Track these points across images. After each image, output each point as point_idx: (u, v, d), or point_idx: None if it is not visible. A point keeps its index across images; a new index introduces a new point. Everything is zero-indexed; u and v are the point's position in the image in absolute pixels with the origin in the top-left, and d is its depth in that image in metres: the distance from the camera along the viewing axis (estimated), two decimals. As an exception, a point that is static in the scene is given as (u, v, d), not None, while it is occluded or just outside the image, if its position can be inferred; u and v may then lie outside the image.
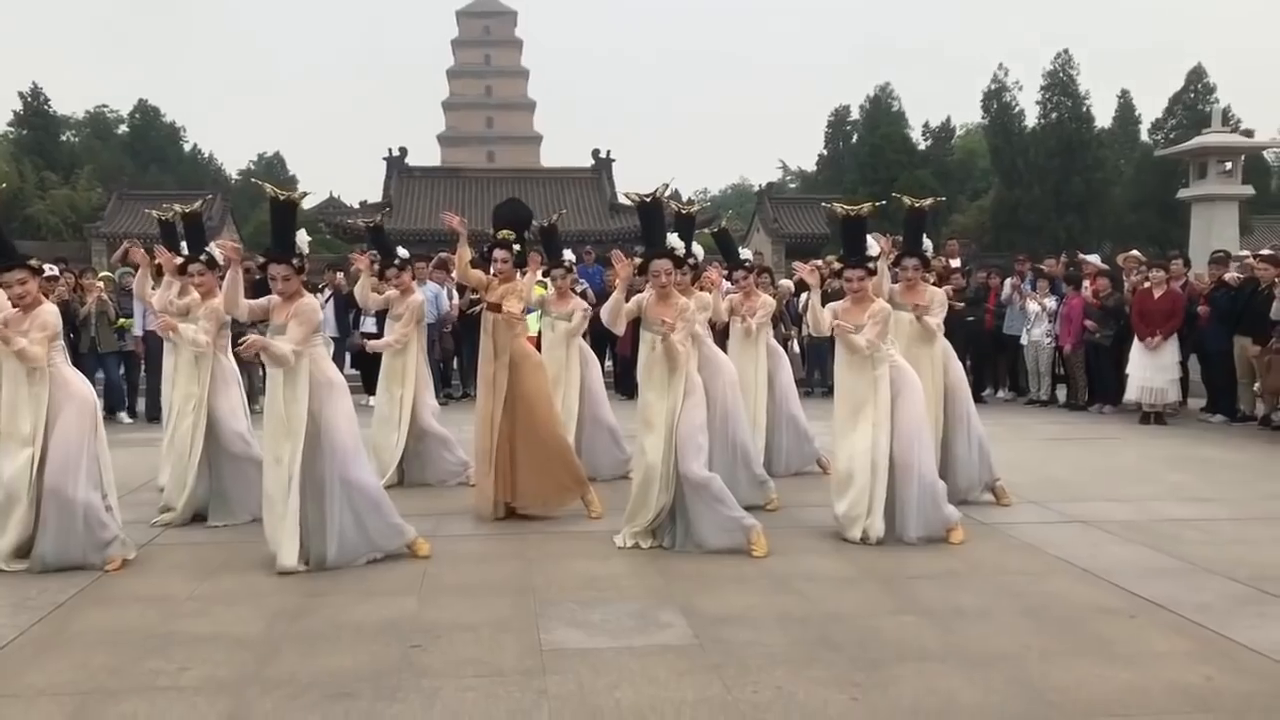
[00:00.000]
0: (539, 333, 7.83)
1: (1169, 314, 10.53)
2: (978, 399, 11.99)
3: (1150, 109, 54.82)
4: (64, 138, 48.24)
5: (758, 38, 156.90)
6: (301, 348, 5.13)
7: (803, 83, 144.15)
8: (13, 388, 5.11)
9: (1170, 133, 35.97)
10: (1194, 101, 37.16)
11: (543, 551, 5.56)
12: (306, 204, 5.61)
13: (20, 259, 5.23)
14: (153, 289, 6.95)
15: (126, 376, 11.59)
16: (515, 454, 6.21)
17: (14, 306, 5.20)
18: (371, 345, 7.66)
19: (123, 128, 53.96)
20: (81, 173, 40.57)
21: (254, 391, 9.68)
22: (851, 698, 3.54)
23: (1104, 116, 40.83)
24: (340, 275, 12.90)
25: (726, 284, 7.74)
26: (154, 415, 10.18)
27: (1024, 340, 12.43)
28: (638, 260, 5.74)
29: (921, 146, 42.39)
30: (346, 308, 12.61)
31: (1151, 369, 10.53)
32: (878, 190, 27.95)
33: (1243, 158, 17.97)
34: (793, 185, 56.85)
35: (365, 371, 12.17)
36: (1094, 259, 12.95)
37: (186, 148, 54.47)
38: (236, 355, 6.93)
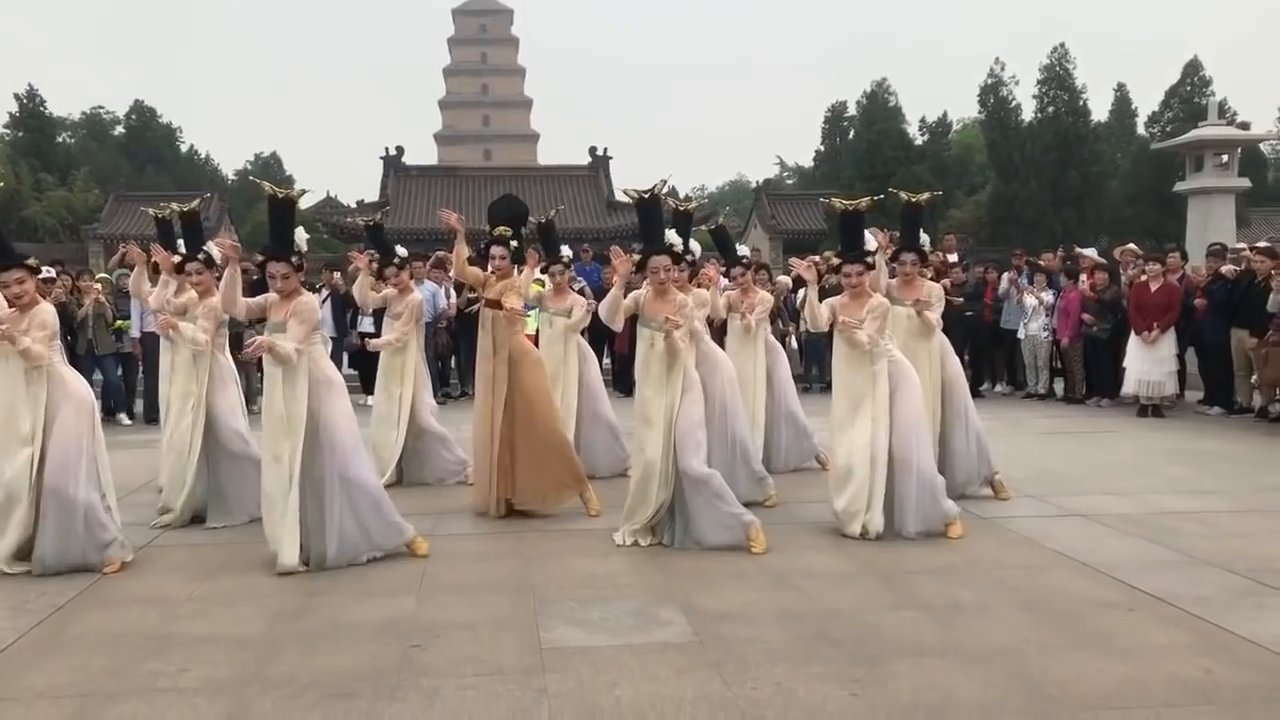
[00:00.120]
0: (536, 330, 7.82)
1: (1166, 307, 10.54)
2: (975, 393, 12.02)
3: (1147, 102, 54.86)
4: (60, 139, 48.19)
5: (754, 35, 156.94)
6: (303, 346, 5.13)
7: (799, 79, 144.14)
8: (10, 387, 5.10)
9: (1167, 126, 35.95)
10: (1190, 94, 37.17)
11: (541, 550, 5.56)
12: (304, 203, 5.61)
13: (18, 258, 5.22)
14: (149, 288, 6.93)
15: (124, 378, 11.59)
16: (514, 450, 6.20)
17: (10, 306, 5.20)
18: (372, 344, 7.66)
19: (119, 129, 53.88)
20: (78, 174, 40.52)
21: (251, 392, 9.68)
22: (851, 693, 3.54)
23: (1100, 110, 40.87)
24: (337, 275, 12.89)
25: (724, 280, 7.74)
26: (152, 417, 10.18)
27: (1021, 334, 12.44)
28: (636, 256, 5.74)
29: (918, 142, 42.39)
30: (344, 307, 12.61)
31: (1149, 362, 10.54)
32: (875, 186, 27.92)
33: (1239, 151, 17.99)
34: (790, 181, 56.81)
35: (363, 371, 12.17)
36: (1091, 253, 12.97)
37: (183, 148, 54.40)
38: (235, 356, 6.95)
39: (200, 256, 6.45)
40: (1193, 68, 38.35)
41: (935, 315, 6.41)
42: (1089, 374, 11.83)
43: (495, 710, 3.45)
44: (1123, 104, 43.57)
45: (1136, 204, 35.49)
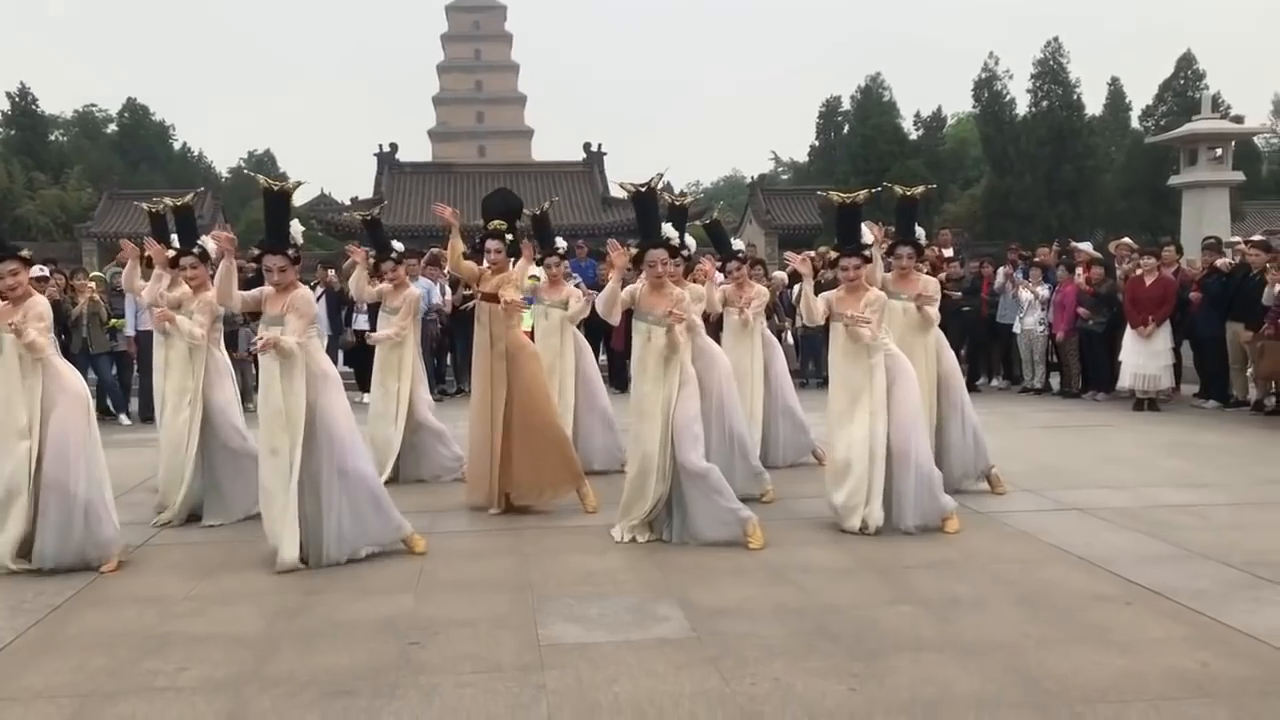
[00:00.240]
0: (532, 327, 7.81)
1: (1160, 301, 10.55)
2: (972, 388, 12.04)
3: (1141, 96, 54.91)
4: (53, 137, 48.08)
5: (748, 30, 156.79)
6: (302, 339, 5.13)
7: (794, 74, 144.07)
8: (6, 380, 5.09)
9: (1161, 119, 36.00)
10: (1184, 88, 37.21)
11: (539, 547, 5.56)
12: (298, 201, 5.59)
13: (10, 250, 5.21)
14: (142, 282, 6.91)
15: (119, 377, 11.56)
16: (512, 444, 6.19)
17: (3, 299, 5.19)
18: (372, 337, 7.64)
19: (112, 127, 53.74)
20: (71, 173, 40.41)
21: (247, 390, 9.66)
22: (849, 688, 3.55)
23: (1094, 104, 40.89)
24: (332, 273, 12.88)
25: (719, 276, 7.74)
26: (147, 416, 10.15)
27: (1017, 329, 12.45)
28: (633, 250, 5.73)
29: (913, 136, 42.40)
30: (339, 305, 12.60)
31: (1145, 356, 10.55)
32: (870, 180, 27.85)
33: (1233, 144, 18.04)
34: (785, 177, 56.79)
35: (358, 369, 12.16)
36: (1086, 247, 12.98)
37: (176, 146, 54.32)
38: (230, 354, 6.93)
39: (195, 250, 6.44)
40: (1186, 61, 38.38)
41: (935, 310, 6.42)
42: (1085, 368, 11.85)
43: (494, 707, 3.45)
44: (1117, 98, 43.60)
45: (1131, 198, 35.53)
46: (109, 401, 11.23)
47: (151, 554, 5.59)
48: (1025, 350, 12.50)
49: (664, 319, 5.36)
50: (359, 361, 12.26)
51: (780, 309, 12.70)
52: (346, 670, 3.79)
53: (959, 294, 12.19)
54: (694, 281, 6.84)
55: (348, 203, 35.98)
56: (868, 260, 5.93)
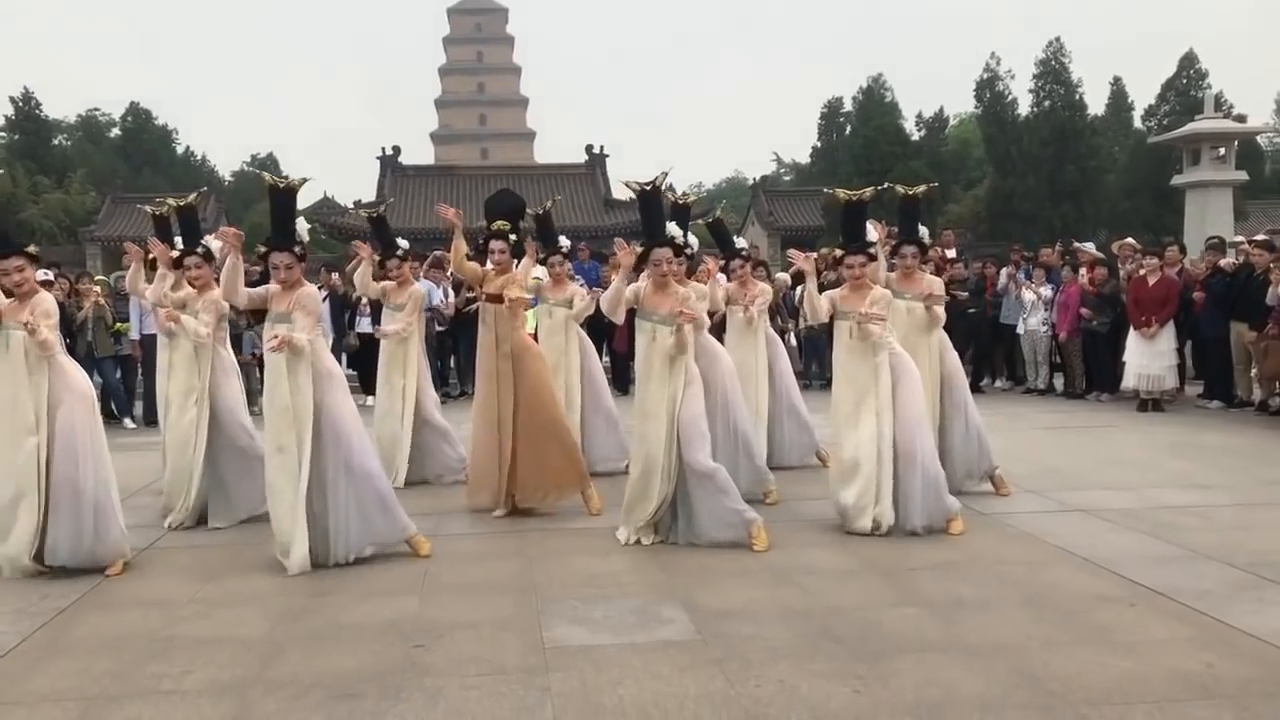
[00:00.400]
0: (535, 328, 7.81)
1: (1163, 301, 10.54)
2: (976, 389, 12.03)
3: (1143, 96, 54.87)
4: (56, 141, 48.16)
5: (750, 31, 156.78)
6: (311, 336, 5.15)
7: (795, 75, 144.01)
8: (11, 376, 5.10)
9: (1163, 119, 35.92)
10: (1187, 88, 37.12)
11: (543, 549, 5.57)
12: (301, 203, 5.59)
13: (16, 246, 5.22)
14: (145, 284, 6.92)
15: (123, 380, 11.58)
16: (517, 445, 6.20)
17: (9, 296, 5.20)
18: (380, 330, 7.64)
19: (115, 131, 53.81)
20: (74, 176, 40.44)
21: (252, 393, 9.67)
22: (854, 690, 3.55)
23: (1097, 104, 40.81)
24: (335, 275, 12.89)
25: (721, 277, 7.74)
26: (151, 420, 10.17)
27: (1020, 329, 12.44)
28: (638, 249, 5.72)
29: (915, 137, 42.35)
30: (342, 308, 12.62)
31: (1148, 356, 10.54)
32: (872, 181, 27.66)
33: (1236, 143, 18.02)
34: (787, 178, 56.73)
35: (362, 371, 12.17)
36: (1089, 247, 12.98)
37: (179, 150, 54.36)
38: (235, 355, 6.94)
39: (199, 250, 6.45)
40: (1189, 60, 38.32)
41: (942, 309, 6.42)
42: (1089, 368, 11.84)
43: (499, 710, 3.46)
44: (1119, 98, 43.52)
45: (1134, 198, 35.47)
46: (113, 405, 11.25)
47: (156, 557, 5.60)
48: (1029, 351, 12.49)
49: (670, 319, 5.36)
50: (363, 364, 12.28)
51: (784, 310, 12.71)
52: (351, 673, 3.80)
53: (965, 294, 12.18)
54: (696, 281, 6.84)
55: (350, 206, 35.98)
56: (873, 258, 5.92)
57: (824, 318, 5.85)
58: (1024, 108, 37.44)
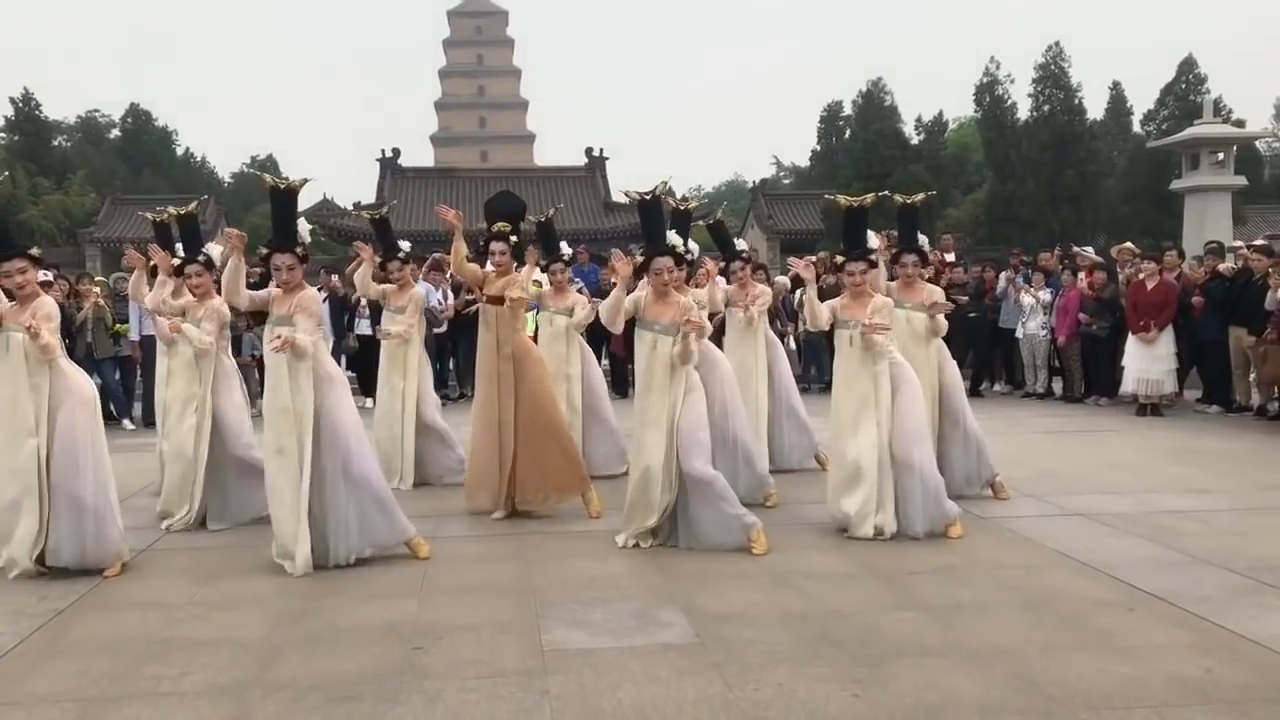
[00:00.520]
0: (535, 328, 7.81)
1: (1162, 305, 10.54)
2: (975, 393, 12.04)
3: (1142, 100, 54.81)
4: (56, 143, 48.09)
5: (749, 34, 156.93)
6: (314, 338, 5.15)
7: (795, 78, 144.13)
8: (11, 378, 5.10)
9: (1162, 124, 35.89)
10: (1186, 92, 37.12)
11: (542, 552, 5.57)
12: (300, 204, 5.59)
13: (19, 248, 5.22)
14: (148, 291, 6.93)
15: (123, 382, 11.58)
16: (518, 448, 6.19)
17: (10, 298, 5.20)
18: (382, 331, 7.62)
19: (115, 132, 53.76)
20: (74, 178, 40.41)
21: (251, 394, 9.66)
22: (853, 694, 3.55)
23: (1096, 109, 40.81)
24: (335, 277, 12.89)
25: (721, 280, 7.75)
26: (150, 420, 10.16)
27: (1019, 333, 12.45)
28: (638, 259, 5.72)
29: (914, 141, 42.34)
30: (342, 310, 12.61)
31: (1147, 361, 10.55)
32: (872, 185, 27.75)
33: (1235, 148, 18.02)
34: (786, 181, 56.73)
35: (361, 373, 12.17)
36: (1088, 251, 12.99)
37: (179, 151, 54.26)
38: (235, 357, 6.95)
39: (200, 258, 6.45)
40: (1188, 65, 38.31)
41: (943, 319, 6.42)
42: (1087, 373, 11.84)
43: (498, 712, 3.45)
44: (1118, 102, 43.52)
45: (1133, 202, 35.45)
46: (112, 406, 11.24)
47: (155, 558, 5.60)
48: (1027, 355, 12.49)
49: (671, 328, 5.36)
50: (362, 366, 12.27)
51: (783, 314, 12.71)
52: (350, 675, 3.79)
53: (964, 298, 12.18)
54: (696, 285, 6.84)
55: (350, 208, 35.97)
56: (874, 265, 5.92)
57: (824, 325, 5.85)
58: (1023, 112, 37.44)
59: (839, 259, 5.95)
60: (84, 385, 5.28)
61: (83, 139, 52.08)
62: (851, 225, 5.96)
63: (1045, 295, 12.18)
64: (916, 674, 3.71)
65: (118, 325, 11.30)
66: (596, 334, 10.64)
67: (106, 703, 3.60)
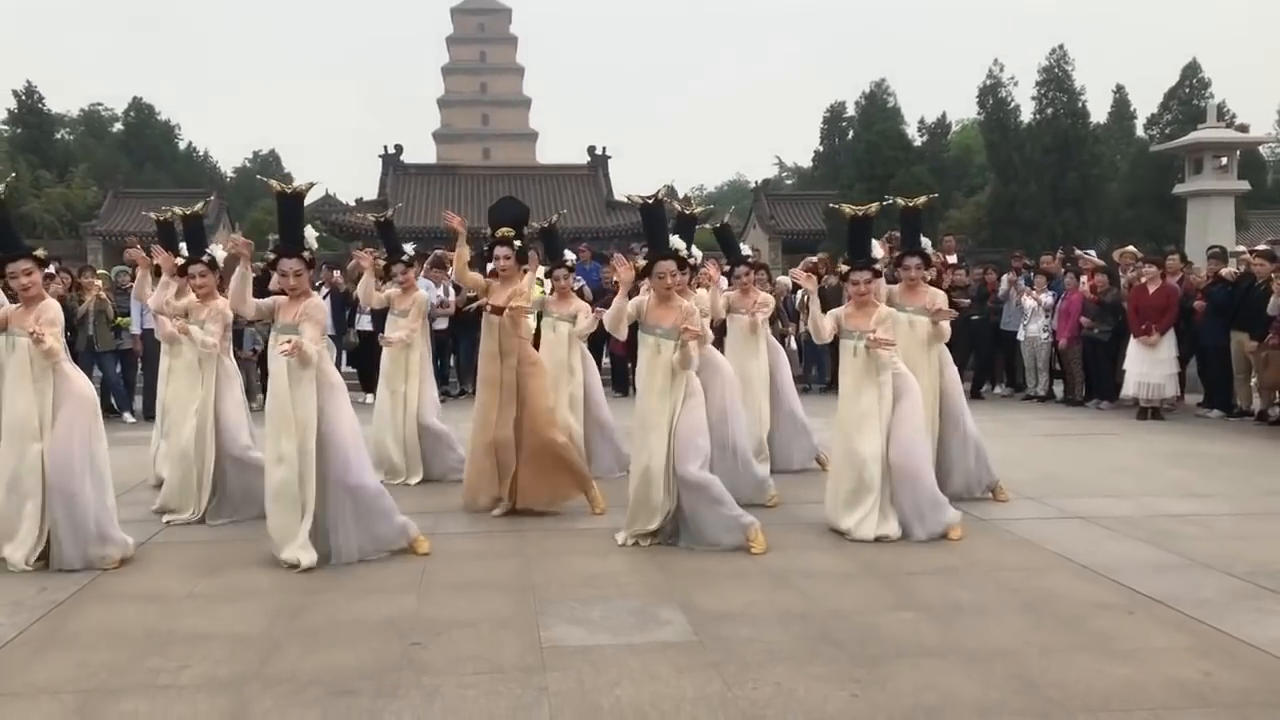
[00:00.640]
0: (537, 329, 7.80)
1: (1163, 309, 10.55)
2: (976, 396, 12.04)
3: (1146, 104, 54.85)
4: (59, 136, 48.06)
5: (753, 34, 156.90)
6: (319, 346, 5.16)
7: (798, 79, 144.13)
8: (17, 382, 5.11)
9: (1166, 128, 35.88)
10: (1189, 97, 37.10)
11: (542, 549, 5.57)
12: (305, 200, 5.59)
13: (25, 249, 5.21)
14: (152, 291, 6.95)
15: (124, 375, 11.59)
16: (520, 454, 6.21)
17: (15, 300, 5.20)
18: (384, 339, 7.60)
19: (117, 126, 53.78)
20: (76, 171, 40.44)
21: (251, 389, 9.67)
22: (851, 694, 3.55)
23: (1099, 112, 40.80)
24: (337, 273, 12.90)
25: (724, 282, 7.75)
26: (151, 414, 10.17)
27: (1021, 336, 12.45)
28: (640, 262, 5.72)
29: (917, 143, 42.32)
30: (343, 306, 12.62)
31: (1149, 364, 10.55)
32: (874, 186, 27.88)
33: (1238, 153, 18.00)
34: (789, 182, 56.75)
35: (362, 370, 12.17)
36: (1091, 255, 12.98)
37: (181, 146, 54.26)
38: (235, 352, 6.95)
39: (205, 259, 6.46)
40: (1192, 70, 38.31)
41: (947, 325, 6.42)
42: (1088, 376, 11.84)
43: (496, 708, 3.46)
44: (1122, 106, 43.53)
45: (1136, 206, 35.45)
46: (113, 400, 11.26)
47: (154, 552, 5.60)
48: (1029, 358, 12.49)
49: (673, 332, 5.36)
50: (362, 362, 12.28)
51: (784, 314, 12.71)
52: (349, 670, 3.80)
53: (967, 301, 12.17)
54: (699, 287, 6.83)
55: (352, 204, 36.00)
56: (878, 274, 5.93)
57: (828, 338, 5.86)
58: (1026, 114, 37.44)
59: (844, 268, 5.93)
60: (85, 387, 5.28)
61: (85, 132, 52.09)
62: (856, 235, 5.96)
63: (1047, 298, 12.18)
64: (915, 674, 3.71)
65: (119, 318, 11.31)
66: (597, 334, 10.65)
67: (105, 694, 3.60)
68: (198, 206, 6.97)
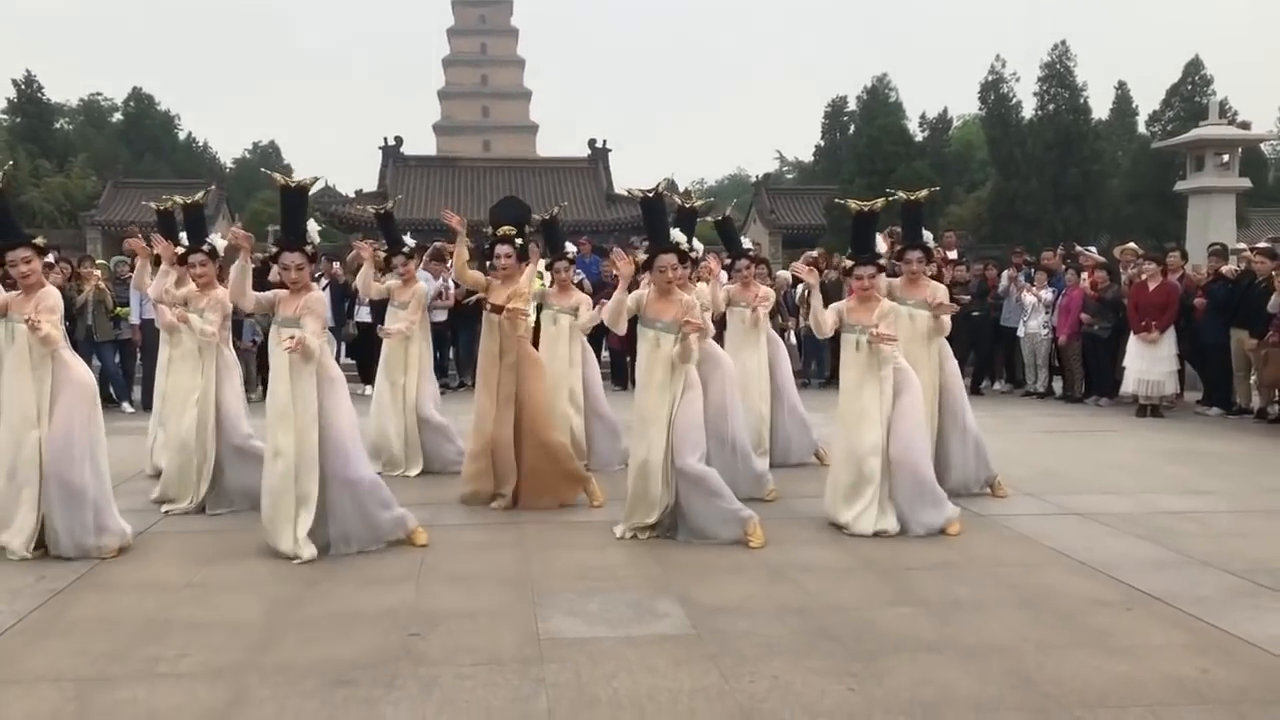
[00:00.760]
0: (537, 321, 7.79)
1: (1163, 306, 10.54)
2: (975, 392, 12.04)
3: (1147, 101, 54.74)
4: (58, 125, 48.00)
5: (755, 27, 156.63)
6: (320, 340, 5.16)
7: (799, 73, 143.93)
8: (17, 369, 5.10)
9: (1168, 125, 35.83)
10: (1191, 94, 37.06)
11: (540, 541, 5.57)
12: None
13: (25, 237, 5.21)
14: (150, 279, 6.94)
15: (122, 365, 11.58)
16: (518, 455, 6.22)
17: (15, 288, 5.19)
18: (384, 331, 7.60)
19: (117, 115, 53.68)
20: (76, 160, 40.36)
21: (250, 379, 9.66)
22: (848, 688, 3.55)
23: (1101, 108, 40.74)
24: (336, 265, 12.89)
25: (724, 276, 7.74)
26: (150, 404, 10.16)
27: (1021, 332, 12.44)
28: (640, 257, 5.71)
29: (919, 138, 42.28)
30: (342, 297, 12.61)
31: (1148, 361, 10.54)
32: (875, 181, 27.82)
33: (1240, 150, 17.94)
34: (790, 176, 56.70)
35: (361, 361, 12.17)
36: (1092, 251, 12.98)
37: (181, 136, 54.17)
38: (235, 342, 6.95)
39: (205, 248, 6.45)
40: (1194, 67, 38.26)
41: (948, 319, 6.41)
42: (1088, 373, 11.84)
43: (493, 700, 3.46)
44: (1123, 102, 43.47)
45: (1137, 202, 35.41)
46: (112, 389, 11.25)
47: (153, 541, 5.60)
48: (1028, 354, 12.49)
49: (673, 326, 5.35)
50: (361, 354, 12.27)
51: (784, 309, 12.70)
52: (347, 660, 3.80)
53: (968, 297, 12.16)
54: (700, 280, 6.83)
55: (352, 195, 35.93)
56: (882, 269, 5.93)
57: (829, 333, 5.85)
58: (1028, 110, 37.40)
59: (848, 263, 5.92)
60: (84, 375, 5.28)
61: (85, 122, 51.99)
62: (860, 230, 5.96)
63: (1047, 294, 12.17)
64: (912, 669, 3.71)
65: (118, 308, 11.30)
66: (596, 327, 10.64)
67: (104, 682, 3.60)
68: (198, 196, 6.96)
